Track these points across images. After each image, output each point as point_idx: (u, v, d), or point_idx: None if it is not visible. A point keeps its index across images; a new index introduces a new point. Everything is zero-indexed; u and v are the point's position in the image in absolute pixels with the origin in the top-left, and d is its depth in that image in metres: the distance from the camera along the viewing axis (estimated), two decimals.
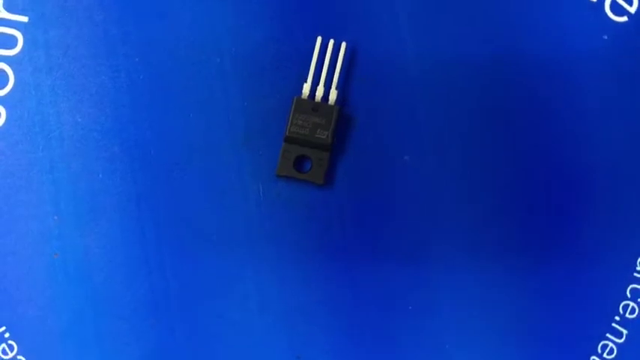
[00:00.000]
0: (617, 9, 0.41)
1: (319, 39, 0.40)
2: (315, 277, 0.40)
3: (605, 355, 0.40)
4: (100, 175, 0.40)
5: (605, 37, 0.41)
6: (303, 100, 0.39)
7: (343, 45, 0.40)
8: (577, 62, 0.41)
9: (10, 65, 0.40)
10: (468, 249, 0.40)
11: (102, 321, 0.39)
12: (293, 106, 0.39)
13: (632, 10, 0.41)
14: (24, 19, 0.40)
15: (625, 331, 0.40)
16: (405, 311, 0.40)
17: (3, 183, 0.39)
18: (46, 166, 0.39)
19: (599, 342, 0.40)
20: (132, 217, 0.39)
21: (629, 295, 0.40)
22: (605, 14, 0.41)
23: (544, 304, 0.40)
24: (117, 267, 0.39)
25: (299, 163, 0.40)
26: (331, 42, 0.40)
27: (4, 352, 0.39)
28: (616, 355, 0.40)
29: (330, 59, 0.40)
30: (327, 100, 0.40)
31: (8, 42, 0.40)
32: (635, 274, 0.40)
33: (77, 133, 0.40)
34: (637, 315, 0.40)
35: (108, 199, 0.39)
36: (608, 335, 0.40)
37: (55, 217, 0.39)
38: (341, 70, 0.40)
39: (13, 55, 0.40)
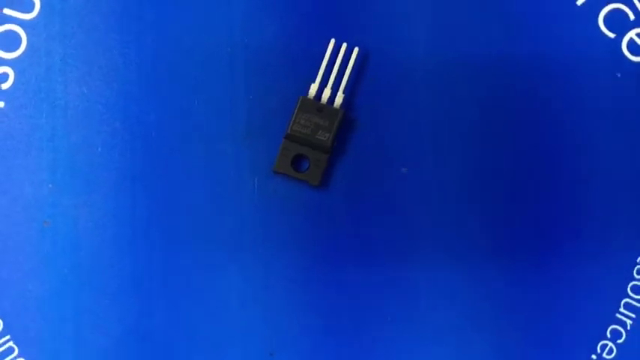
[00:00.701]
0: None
1: (332, 41, 0.40)
2: (299, 277, 0.40)
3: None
4: (99, 149, 0.40)
5: (619, 75, 0.41)
6: (309, 100, 0.40)
7: (355, 50, 0.40)
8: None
9: (24, 29, 0.40)
10: (462, 253, 0.40)
11: (83, 294, 0.39)
12: (298, 105, 0.39)
13: None
14: None
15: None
16: (384, 315, 0.40)
17: (2, 145, 0.39)
18: (47, 134, 0.40)
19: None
20: (125, 195, 0.40)
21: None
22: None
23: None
24: (104, 242, 0.39)
25: (297, 162, 0.40)
26: (344, 45, 0.40)
27: None
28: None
29: (341, 63, 0.40)
30: (333, 102, 0.40)
31: (25, 6, 0.40)
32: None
33: (82, 105, 0.40)
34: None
35: (104, 174, 0.40)
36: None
37: (50, 185, 0.40)
38: (350, 74, 0.40)
39: (29, 20, 0.40)
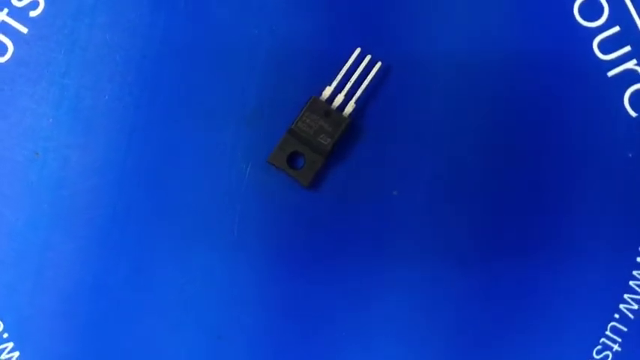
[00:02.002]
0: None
1: (358, 50, 0.40)
2: (259, 265, 0.40)
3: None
4: (106, 97, 0.40)
5: (630, 155, 0.40)
6: (320, 101, 0.39)
7: (378, 65, 0.40)
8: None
9: None
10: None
11: (54, 231, 0.39)
12: (308, 104, 0.39)
13: None
14: None
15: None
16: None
17: (16, 69, 0.40)
18: (61, 69, 0.40)
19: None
20: (119, 149, 0.40)
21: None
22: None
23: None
24: (87, 188, 0.40)
25: (293, 158, 0.40)
26: (368, 57, 0.40)
27: None
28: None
29: (361, 73, 0.40)
30: (343, 110, 0.40)
31: None
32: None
33: (101, 50, 0.40)
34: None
35: (104, 122, 0.40)
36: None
37: (50, 120, 0.40)
38: (367, 86, 0.40)
39: None
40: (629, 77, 0.40)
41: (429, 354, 0.40)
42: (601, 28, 0.41)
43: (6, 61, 0.40)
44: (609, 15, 0.41)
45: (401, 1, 0.40)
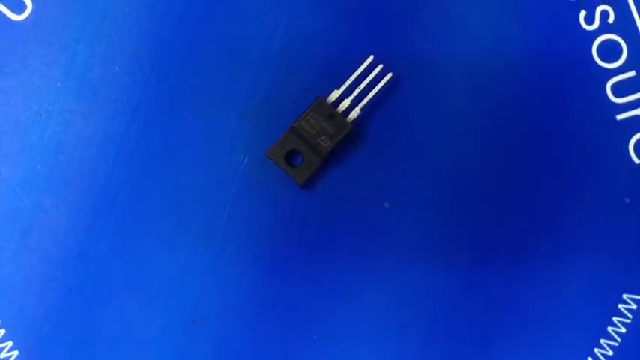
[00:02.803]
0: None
1: (371, 58, 0.40)
2: (248, 261, 0.40)
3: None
4: (116, 69, 0.40)
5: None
6: (326, 103, 0.39)
7: (389, 75, 0.40)
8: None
9: None
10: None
11: (47, 196, 0.40)
12: (313, 104, 0.39)
13: None
14: None
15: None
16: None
17: (31, 29, 0.40)
18: (75, 35, 0.40)
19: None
20: (122, 122, 0.40)
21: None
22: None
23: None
24: (85, 157, 0.40)
25: (291, 156, 0.40)
26: (380, 67, 0.40)
27: None
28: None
29: (371, 81, 0.40)
30: (347, 115, 0.40)
31: None
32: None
33: (117, 22, 0.40)
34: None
35: (110, 93, 0.40)
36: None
37: (58, 84, 0.40)
38: (375, 95, 0.40)
39: None
40: (638, 123, 0.40)
41: (413, 355, 0.40)
42: (617, 70, 0.40)
43: (23, 20, 0.40)
44: (627, 58, 0.40)
45: (419, 16, 0.40)
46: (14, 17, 0.40)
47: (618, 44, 0.40)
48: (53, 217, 0.40)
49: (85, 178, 0.40)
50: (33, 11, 0.40)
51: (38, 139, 0.40)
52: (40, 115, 0.40)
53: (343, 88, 0.40)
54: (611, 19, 0.41)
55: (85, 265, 0.40)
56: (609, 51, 0.40)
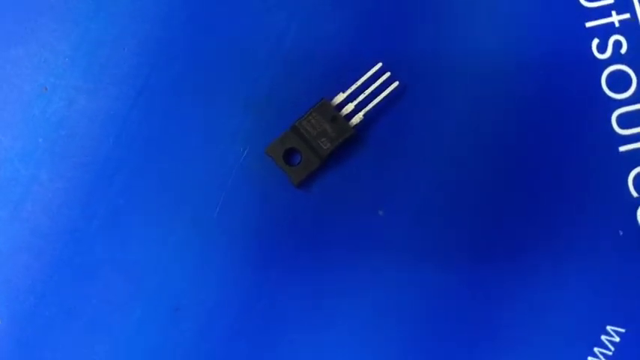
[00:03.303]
0: None
1: (379, 65, 0.40)
2: (236, 252, 0.40)
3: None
4: (125, 50, 0.40)
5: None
6: (329, 105, 0.39)
7: (395, 84, 0.40)
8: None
9: None
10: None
11: (44, 169, 0.40)
12: (316, 105, 0.39)
13: None
14: None
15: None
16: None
17: (46, 2, 0.40)
18: (90, 12, 0.40)
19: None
20: (125, 104, 0.40)
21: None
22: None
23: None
24: (85, 134, 0.40)
25: (290, 154, 0.40)
26: (387, 74, 0.40)
27: None
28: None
29: (376, 88, 0.40)
30: (350, 119, 0.40)
31: None
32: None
33: (133, 4, 0.40)
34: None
35: (116, 74, 0.40)
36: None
37: (66, 59, 0.40)
38: (379, 102, 0.40)
39: None
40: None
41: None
42: (625, 101, 0.40)
43: None
44: (636, 90, 0.40)
45: (432, 28, 0.40)
46: None
47: (628, 75, 0.40)
48: (48, 190, 0.40)
49: (84, 155, 0.40)
50: None
51: (41, 112, 0.40)
52: (46, 88, 0.40)
53: (349, 91, 0.40)
54: (623, 50, 0.40)
55: (75, 242, 0.40)
56: (619, 81, 0.40)
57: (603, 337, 0.40)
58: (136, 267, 0.40)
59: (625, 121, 0.40)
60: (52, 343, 0.39)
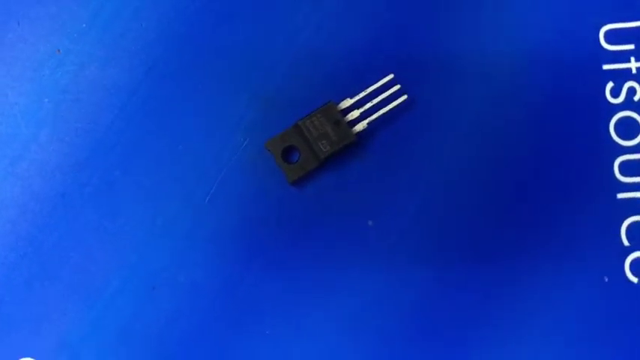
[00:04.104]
0: None
1: (390, 76, 0.40)
2: (220, 242, 0.40)
3: None
4: (143, 25, 0.41)
5: None
6: (335, 108, 0.39)
7: (403, 97, 0.40)
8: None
9: None
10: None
11: (45, 129, 0.40)
12: (322, 107, 0.39)
13: None
14: None
15: None
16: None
17: None
18: None
19: None
20: (135, 77, 0.40)
21: None
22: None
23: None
24: (90, 100, 0.40)
25: (289, 152, 0.40)
26: (397, 87, 0.40)
27: None
28: None
29: (385, 99, 0.40)
30: (354, 126, 0.40)
31: None
32: None
33: None
34: None
35: (130, 47, 0.40)
36: None
37: (84, 25, 0.41)
38: (386, 113, 0.40)
39: None
40: (637, 206, 0.40)
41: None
42: (630, 149, 0.40)
43: None
44: None
45: (448, 47, 0.40)
46: None
47: (637, 123, 0.40)
48: (46, 151, 0.40)
49: (86, 122, 0.40)
50: None
51: (51, 73, 0.40)
52: (59, 50, 0.40)
53: (357, 98, 0.40)
54: (637, 97, 0.40)
55: (64, 205, 0.40)
56: (627, 128, 0.40)
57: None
58: (119, 240, 0.40)
59: (627, 168, 0.40)
60: (26, 304, 0.39)
